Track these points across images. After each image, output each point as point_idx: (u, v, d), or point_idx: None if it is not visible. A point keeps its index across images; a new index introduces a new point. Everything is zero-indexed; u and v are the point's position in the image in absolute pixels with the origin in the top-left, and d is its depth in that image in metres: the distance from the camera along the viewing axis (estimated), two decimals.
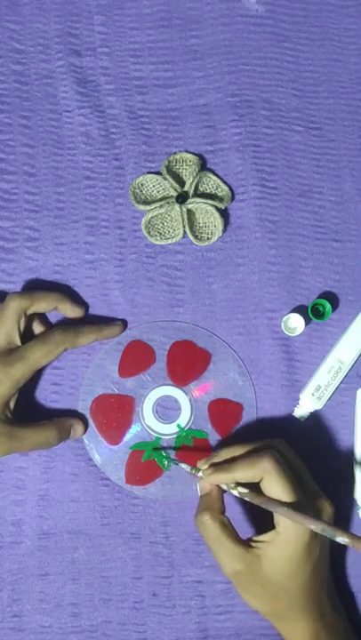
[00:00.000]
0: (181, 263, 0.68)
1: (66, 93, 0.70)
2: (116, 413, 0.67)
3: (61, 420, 0.65)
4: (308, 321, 0.67)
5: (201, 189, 0.69)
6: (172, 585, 0.66)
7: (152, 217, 0.67)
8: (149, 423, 0.67)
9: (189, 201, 0.67)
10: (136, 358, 0.67)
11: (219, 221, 0.67)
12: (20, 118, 0.69)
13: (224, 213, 0.68)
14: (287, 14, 0.71)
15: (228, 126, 0.69)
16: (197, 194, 0.68)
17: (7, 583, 0.66)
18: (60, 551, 0.66)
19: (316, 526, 0.54)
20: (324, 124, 0.70)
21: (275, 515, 0.57)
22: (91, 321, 0.67)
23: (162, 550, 0.66)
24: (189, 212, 0.68)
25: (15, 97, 0.70)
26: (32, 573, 0.66)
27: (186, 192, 0.67)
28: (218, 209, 0.67)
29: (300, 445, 0.67)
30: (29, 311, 0.63)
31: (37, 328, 0.66)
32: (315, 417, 0.67)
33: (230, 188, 0.69)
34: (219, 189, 0.69)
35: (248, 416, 0.67)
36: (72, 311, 0.66)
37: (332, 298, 0.68)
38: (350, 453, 0.67)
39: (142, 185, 0.68)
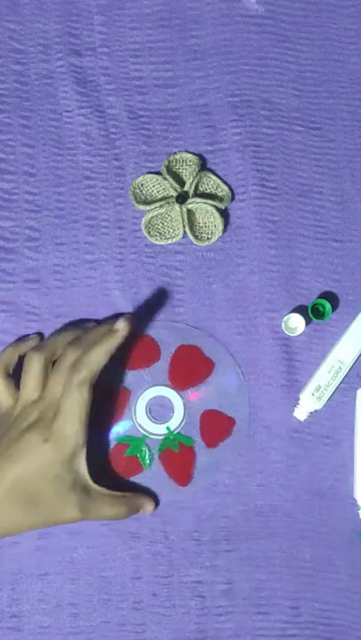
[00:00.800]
0: (181, 263, 0.68)
1: (66, 93, 0.70)
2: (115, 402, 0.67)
3: (135, 495, 0.65)
4: (308, 321, 0.67)
5: (201, 189, 0.69)
6: (172, 585, 0.66)
7: (152, 217, 0.67)
8: (140, 420, 0.67)
9: (189, 201, 0.67)
10: (140, 353, 0.67)
11: (219, 221, 0.67)
12: (20, 118, 0.69)
13: (224, 213, 0.68)
14: (287, 14, 0.71)
15: (228, 126, 0.69)
16: (197, 194, 0.68)
17: (6, 583, 0.66)
18: (60, 551, 0.66)
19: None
20: (324, 124, 0.70)
21: None
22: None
23: (161, 550, 0.66)
24: (189, 211, 0.68)
25: (15, 97, 0.70)
26: (31, 573, 0.66)
27: (186, 192, 0.67)
28: (218, 209, 0.67)
29: (301, 445, 0.67)
30: (52, 360, 0.63)
31: None
32: (315, 417, 0.67)
33: (230, 188, 0.69)
34: (219, 189, 0.69)
35: (239, 432, 0.67)
36: (120, 340, 0.63)
37: (332, 298, 0.68)
38: (350, 453, 0.67)
39: (142, 185, 0.69)
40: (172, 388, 0.67)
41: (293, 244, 0.69)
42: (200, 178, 0.68)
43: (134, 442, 0.67)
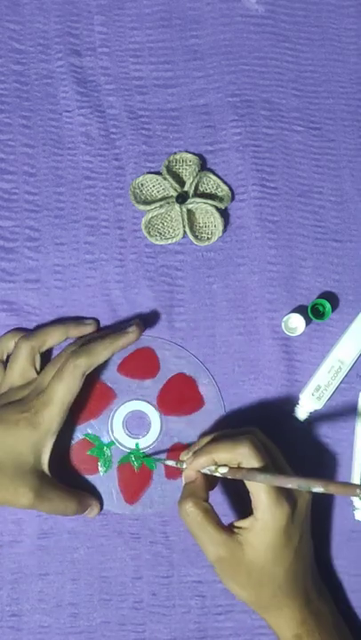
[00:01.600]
0: (181, 263, 0.68)
1: (66, 93, 0.70)
2: (97, 400, 0.67)
3: (85, 495, 0.65)
4: (308, 321, 0.67)
5: (201, 189, 0.69)
6: (172, 585, 0.66)
7: (152, 217, 0.67)
8: (115, 427, 0.67)
9: (189, 201, 0.67)
10: (139, 364, 0.67)
11: (219, 221, 0.67)
12: (20, 118, 0.69)
13: (224, 213, 0.68)
14: (287, 14, 0.71)
15: (228, 126, 0.69)
16: (197, 194, 0.68)
17: (7, 582, 0.66)
18: (60, 551, 0.66)
19: (293, 483, 0.54)
20: (324, 124, 0.70)
21: (253, 500, 0.57)
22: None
23: (162, 550, 0.66)
24: (189, 212, 0.68)
25: (15, 97, 0.70)
26: (32, 573, 0.66)
27: (186, 192, 0.67)
28: (218, 209, 0.67)
29: (300, 445, 0.67)
30: (42, 349, 0.64)
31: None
32: (315, 417, 0.67)
33: (230, 188, 0.69)
34: (219, 189, 0.69)
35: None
36: (83, 331, 0.66)
37: (332, 298, 0.68)
38: (350, 453, 0.67)
39: (142, 185, 0.68)
40: (156, 409, 0.67)
41: (293, 244, 0.69)
42: (200, 178, 0.68)
43: (100, 444, 0.67)
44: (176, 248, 0.68)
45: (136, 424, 0.67)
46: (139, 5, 0.71)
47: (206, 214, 0.68)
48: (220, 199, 0.68)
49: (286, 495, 0.57)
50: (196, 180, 0.68)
